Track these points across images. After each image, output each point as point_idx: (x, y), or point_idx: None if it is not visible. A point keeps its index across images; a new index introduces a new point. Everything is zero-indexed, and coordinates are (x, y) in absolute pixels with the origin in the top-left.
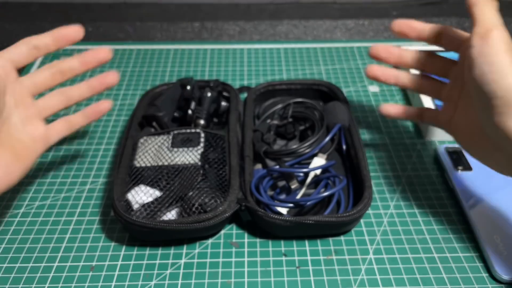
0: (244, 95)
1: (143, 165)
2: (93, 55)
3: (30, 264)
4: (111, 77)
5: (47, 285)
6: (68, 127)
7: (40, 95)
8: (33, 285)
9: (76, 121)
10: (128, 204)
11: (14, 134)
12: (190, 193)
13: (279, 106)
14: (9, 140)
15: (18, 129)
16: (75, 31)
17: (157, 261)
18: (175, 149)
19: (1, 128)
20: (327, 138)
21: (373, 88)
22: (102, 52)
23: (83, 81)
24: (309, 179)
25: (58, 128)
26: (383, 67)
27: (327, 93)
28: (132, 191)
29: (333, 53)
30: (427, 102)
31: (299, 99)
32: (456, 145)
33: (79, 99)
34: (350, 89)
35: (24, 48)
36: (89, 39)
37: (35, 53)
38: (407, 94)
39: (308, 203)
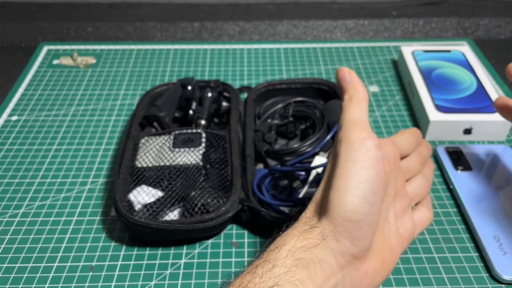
0: (244, 95)
1: (145, 165)
2: (429, 146)
3: (30, 264)
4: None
5: (47, 285)
6: (429, 216)
7: None
8: (33, 285)
9: (429, 205)
10: (130, 204)
11: (386, 233)
12: (193, 193)
13: (280, 105)
14: (382, 242)
15: (391, 227)
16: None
17: (157, 261)
18: (177, 149)
19: (382, 226)
20: (328, 137)
21: (373, 88)
22: (430, 147)
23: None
24: (311, 178)
25: (421, 218)
26: None
27: (327, 91)
28: (134, 192)
29: (333, 53)
30: (428, 103)
31: (300, 98)
32: (456, 145)
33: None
34: None
35: (411, 139)
36: (89, 39)
37: (413, 143)
38: (407, 95)
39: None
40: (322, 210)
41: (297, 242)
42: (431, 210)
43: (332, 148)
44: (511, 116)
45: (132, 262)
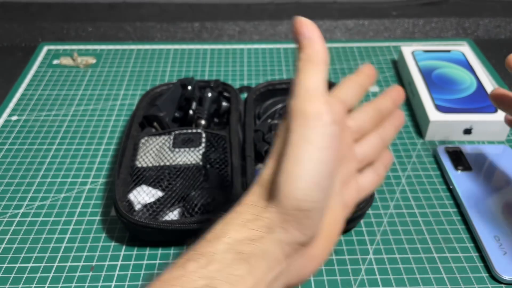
0: (244, 95)
1: (145, 165)
2: (399, 94)
3: (30, 264)
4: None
5: (47, 285)
6: (375, 181)
7: None
8: (33, 285)
9: (381, 169)
10: (130, 204)
11: (332, 205)
12: (192, 193)
13: (280, 105)
14: (328, 216)
15: (336, 196)
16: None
17: (157, 261)
18: (177, 149)
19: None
20: None
21: (373, 88)
22: (400, 91)
23: (383, 99)
24: None
25: (366, 183)
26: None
27: None
28: (134, 191)
29: (333, 53)
30: (428, 103)
31: None
32: (456, 145)
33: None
34: None
35: (357, 88)
36: (89, 39)
37: (361, 92)
38: (407, 95)
39: None
40: (270, 196)
41: (239, 233)
42: (381, 174)
43: None
44: (508, 108)
45: (132, 262)
